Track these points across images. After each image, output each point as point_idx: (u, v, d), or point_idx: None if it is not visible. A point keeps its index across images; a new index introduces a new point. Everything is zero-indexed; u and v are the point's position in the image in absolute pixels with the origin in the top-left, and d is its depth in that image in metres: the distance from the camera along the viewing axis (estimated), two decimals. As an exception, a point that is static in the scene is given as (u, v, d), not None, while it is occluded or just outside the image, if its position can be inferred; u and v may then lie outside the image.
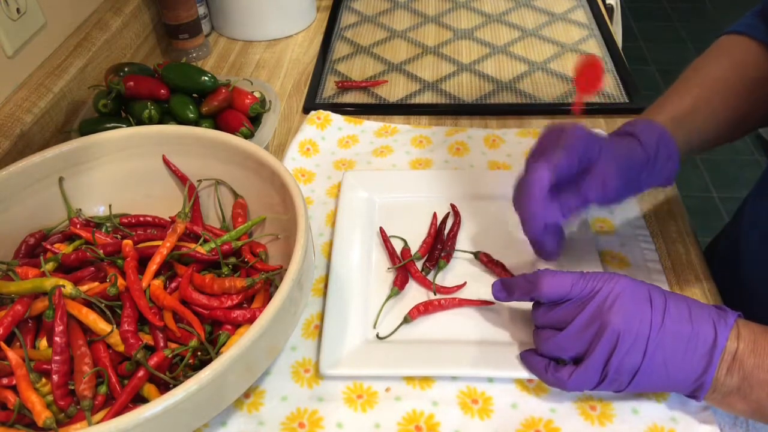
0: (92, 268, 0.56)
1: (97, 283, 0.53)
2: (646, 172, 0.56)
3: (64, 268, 0.56)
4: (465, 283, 0.61)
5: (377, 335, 0.57)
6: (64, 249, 0.57)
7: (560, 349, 0.49)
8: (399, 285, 0.60)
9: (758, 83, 0.60)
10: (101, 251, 0.55)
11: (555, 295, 0.50)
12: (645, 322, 0.46)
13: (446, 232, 0.66)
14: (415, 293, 0.61)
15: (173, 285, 0.55)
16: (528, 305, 0.56)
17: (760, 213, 0.62)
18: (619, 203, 0.56)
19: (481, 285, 0.61)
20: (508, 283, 0.54)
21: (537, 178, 0.53)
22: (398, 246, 0.65)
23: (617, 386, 0.48)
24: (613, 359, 0.46)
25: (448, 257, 0.63)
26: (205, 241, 0.57)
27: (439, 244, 0.64)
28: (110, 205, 0.63)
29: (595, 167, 0.54)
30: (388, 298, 0.59)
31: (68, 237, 0.60)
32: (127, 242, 0.55)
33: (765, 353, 0.45)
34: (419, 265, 0.63)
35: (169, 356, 0.48)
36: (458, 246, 0.65)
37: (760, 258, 0.62)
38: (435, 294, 0.60)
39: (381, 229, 0.66)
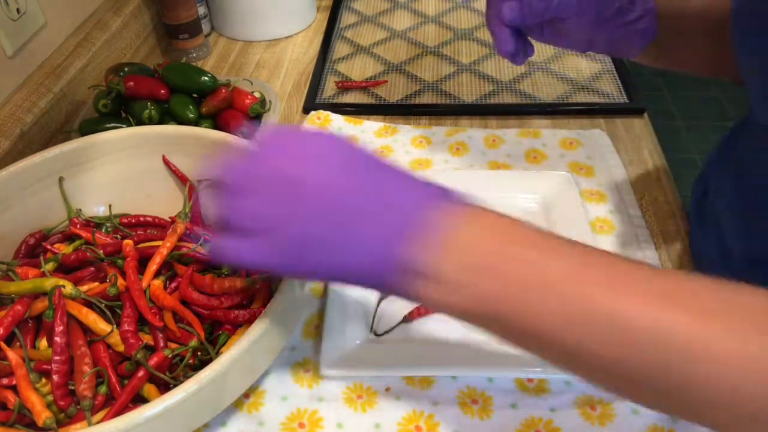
0: (92, 269, 0.56)
1: (96, 284, 0.53)
2: (620, 4, 0.55)
3: (64, 269, 0.56)
4: None
5: (375, 333, 0.57)
6: (64, 249, 0.57)
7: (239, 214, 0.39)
8: None
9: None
10: (101, 251, 0.55)
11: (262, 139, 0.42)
12: (327, 183, 0.38)
13: None
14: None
15: (173, 285, 0.55)
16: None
17: (724, 185, 0.60)
18: (592, 40, 0.57)
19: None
20: None
21: None
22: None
23: (299, 263, 0.39)
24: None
25: None
26: (206, 241, 0.57)
27: None
28: (110, 205, 0.63)
29: None
30: (380, 300, 0.59)
31: (68, 237, 0.60)
32: (128, 242, 0.55)
33: (510, 241, 0.36)
34: None
35: (169, 356, 0.48)
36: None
37: (730, 231, 0.59)
38: None
39: None
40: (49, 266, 0.54)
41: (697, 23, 0.58)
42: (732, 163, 0.59)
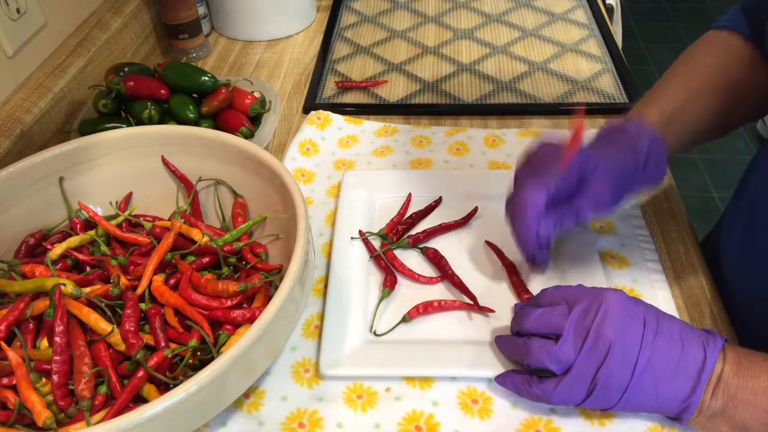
0: (99, 270, 0.56)
1: (99, 285, 0.53)
2: (636, 178, 0.56)
3: (77, 267, 0.57)
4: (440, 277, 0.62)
5: (374, 332, 0.57)
6: (67, 245, 0.57)
7: (554, 359, 0.47)
8: (389, 285, 0.60)
9: (741, 83, 0.60)
10: (106, 248, 0.55)
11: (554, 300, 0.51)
12: (636, 338, 0.46)
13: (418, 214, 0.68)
14: (412, 292, 0.61)
15: (172, 281, 0.55)
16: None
17: (738, 213, 0.62)
18: (611, 211, 0.56)
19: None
20: (517, 309, 0.55)
21: (532, 202, 0.53)
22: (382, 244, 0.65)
23: (605, 403, 0.47)
24: (602, 371, 0.46)
25: (399, 236, 0.66)
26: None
27: (402, 223, 0.67)
28: (116, 202, 0.63)
29: (588, 184, 0.54)
30: (381, 299, 0.59)
31: (68, 237, 0.60)
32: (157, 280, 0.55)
33: (748, 375, 0.45)
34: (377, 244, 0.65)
35: (169, 356, 0.48)
36: (455, 244, 0.65)
37: (737, 259, 0.61)
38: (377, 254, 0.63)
39: (360, 231, 0.66)
40: (56, 254, 0.55)
41: (703, 122, 0.61)
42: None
